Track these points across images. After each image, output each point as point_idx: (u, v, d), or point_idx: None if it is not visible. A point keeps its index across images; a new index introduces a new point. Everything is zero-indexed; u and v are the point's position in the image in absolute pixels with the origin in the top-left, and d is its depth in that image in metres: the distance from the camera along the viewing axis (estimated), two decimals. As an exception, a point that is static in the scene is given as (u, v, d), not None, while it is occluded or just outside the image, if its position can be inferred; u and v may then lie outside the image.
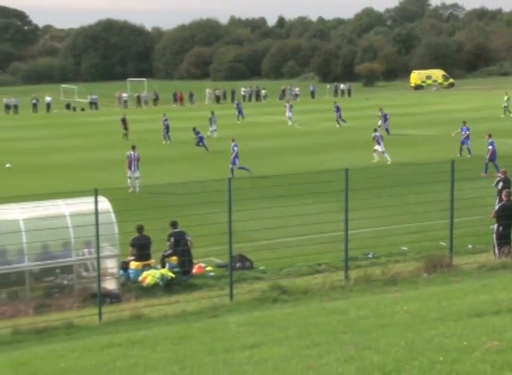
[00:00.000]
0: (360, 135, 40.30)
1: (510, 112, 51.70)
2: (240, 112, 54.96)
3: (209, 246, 16.72)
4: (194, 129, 38.06)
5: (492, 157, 28.38)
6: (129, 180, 27.60)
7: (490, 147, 28.48)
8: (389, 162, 31.43)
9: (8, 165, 34.41)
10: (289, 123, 51.08)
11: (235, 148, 30.12)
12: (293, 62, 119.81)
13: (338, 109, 48.79)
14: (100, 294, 14.17)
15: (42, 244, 15.53)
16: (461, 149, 33.09)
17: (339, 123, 48.66)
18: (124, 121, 45.08)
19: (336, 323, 9.78)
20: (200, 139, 37.47)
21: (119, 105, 75.06)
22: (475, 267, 15.35)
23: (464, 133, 33.37)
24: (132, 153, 27.77)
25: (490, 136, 29.06)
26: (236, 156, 30.07)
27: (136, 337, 10.52)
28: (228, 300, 14.44)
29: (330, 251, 16.58)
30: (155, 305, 14.58)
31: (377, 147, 32.63)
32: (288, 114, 51.72)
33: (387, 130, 41.79)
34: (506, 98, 52.13)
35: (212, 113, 44.46)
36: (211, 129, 44.06)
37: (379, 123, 41.70)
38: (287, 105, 53.19)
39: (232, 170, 29.43)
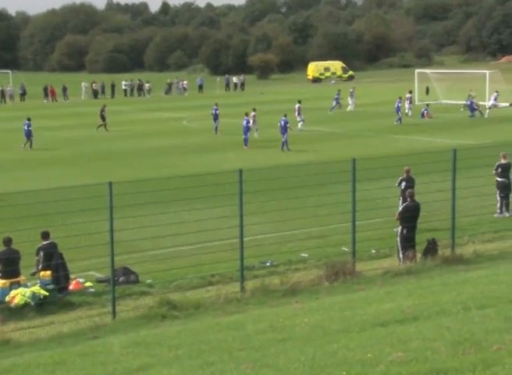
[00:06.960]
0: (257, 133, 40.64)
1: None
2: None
3: (88, 259, 16.41)
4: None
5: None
6: None
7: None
8: None
9: None
10: (352, 108, 55.79)
11: None
12: (180, 52, 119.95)
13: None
14: (-40, 319, 13.63)
15: None
16: None
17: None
18: (103, 112, 46.01)
19: (231, 339, 9.84)
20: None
21: (-21, 100, 72.45)
22: (379, 273, 15.85)
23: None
24: None
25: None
26: None
27: (3, 365, 10.21)
28: (110, 319, 14.27)
29: (224, 261, 16.66)
30: (26, 328, 14.18)
31: None
32: (351, 100, 56.03)
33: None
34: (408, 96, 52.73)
35: (299, 102, 44.77)
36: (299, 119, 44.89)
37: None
38: (352, 90, 57.42)
39: None
